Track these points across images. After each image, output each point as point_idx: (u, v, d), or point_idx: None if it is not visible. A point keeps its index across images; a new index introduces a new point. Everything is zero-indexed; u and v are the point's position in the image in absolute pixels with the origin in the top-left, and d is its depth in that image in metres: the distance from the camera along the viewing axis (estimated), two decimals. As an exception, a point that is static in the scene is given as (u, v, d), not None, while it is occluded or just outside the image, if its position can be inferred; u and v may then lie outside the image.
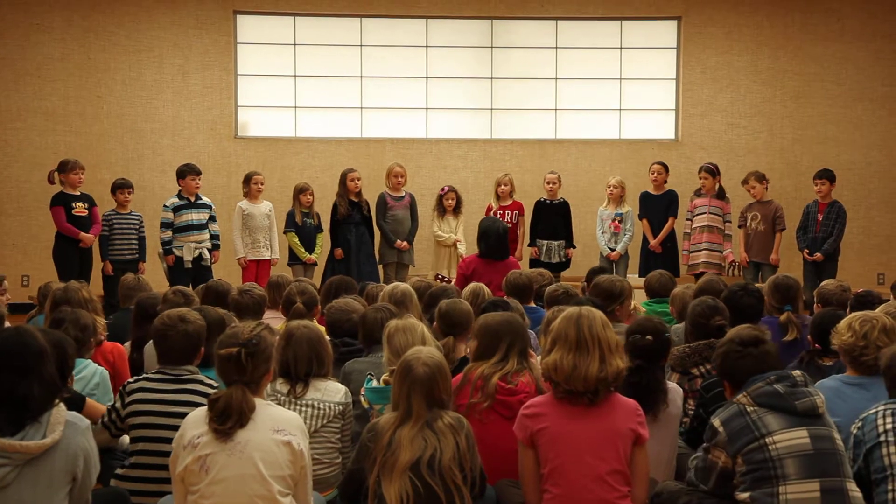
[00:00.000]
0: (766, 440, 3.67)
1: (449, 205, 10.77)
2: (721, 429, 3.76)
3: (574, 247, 10.93)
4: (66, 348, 4.26)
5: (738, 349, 3.95)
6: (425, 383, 3.76)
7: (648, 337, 4.51)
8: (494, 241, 8.39)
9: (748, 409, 3.75)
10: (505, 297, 6.64)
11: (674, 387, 4.62)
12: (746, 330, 4.08)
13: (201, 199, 10.27)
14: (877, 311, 4.92)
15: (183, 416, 3.93)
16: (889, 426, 3.84)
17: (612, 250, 10.65)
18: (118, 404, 4.45)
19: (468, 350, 4.84)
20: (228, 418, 3.65)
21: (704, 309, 5.26)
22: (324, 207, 10.87)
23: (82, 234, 9.81)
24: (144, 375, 4.53)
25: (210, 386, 4.38)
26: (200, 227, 10.11)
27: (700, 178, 10.57)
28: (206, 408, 3.75)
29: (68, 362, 4.36)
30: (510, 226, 10.62)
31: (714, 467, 3.80)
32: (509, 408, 4.27)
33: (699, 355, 5.09)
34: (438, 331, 5.38)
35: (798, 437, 3.66)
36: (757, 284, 6.61)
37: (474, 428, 3.88)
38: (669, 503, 4.06)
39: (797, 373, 3.84)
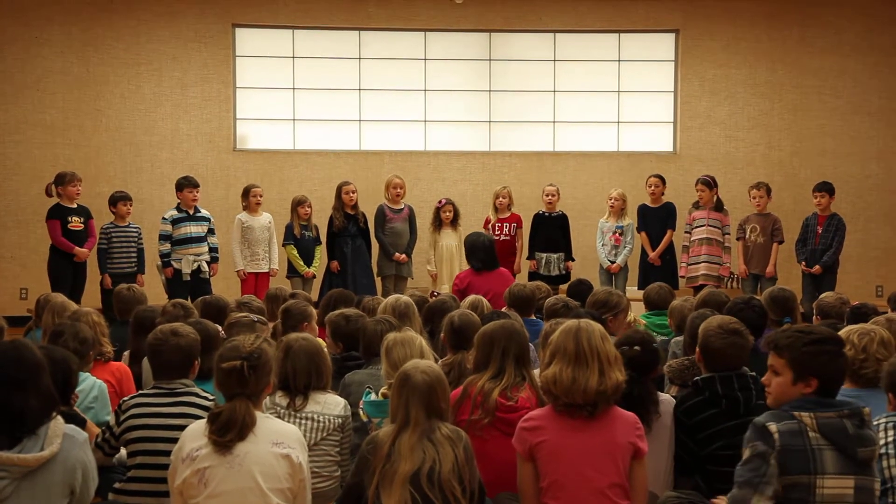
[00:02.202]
0: (818, 481, 3.44)
1: (446, 217, 10.77)
2: (777, 436, 3.46)
3: (573, 259, 10.92)
4: (69, 365, 4.29)
5: (834, 349, 3.65)
6: (424, 391, 3.75)
7: (636, 347, 4.48)
8: (483, 254, 8.64)
9: (810, 434, 3.48)
10: (505, 310, 6.66)
11: (666, 398, 4.60)
12: (826, 327, 3.81)
13: (200, 211, 10.27)
14: (869, 323, 4.91)
15: (180, 428, 3.93)
16: (890, 439, 3.83)
17: (613, 263, 10.64)
18: (112, 423, 4.45)
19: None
20: (229, 431, 3.65)
21: (703, 321, 5.24)
22: (322, 220, 10.88)
23: (77, 248, 9.81)
24: (140, 392, 4.53)
25: (205, 398, 4.38)
26: (199, 239, 10.11)
27: (697, 191, 10.59)
28: (205, 420, 3.75)
29: (72, 379, 4.38)
30: (508, 238, 10.68)
31: (774, 477, 3.47)
32: (510, 424, 4.23)
33: (698, 368, 5.06)
34: (447, 345, 5.38)
35: (845, 486, 3.46)
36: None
37: (475, 444, 3.87)
38: (670, 515, 4.05)
39: (866, 410, 3.55)
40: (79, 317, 5.67)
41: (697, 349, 4.64)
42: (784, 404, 3.59)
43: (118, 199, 10.15)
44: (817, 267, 10.10)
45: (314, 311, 6.48)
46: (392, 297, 6.53)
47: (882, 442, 3.83)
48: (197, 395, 4.40)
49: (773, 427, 3.47)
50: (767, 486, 3.44)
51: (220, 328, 5.45)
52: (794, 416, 3.50)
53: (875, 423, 3.90)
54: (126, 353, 6.03)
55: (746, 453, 3.52)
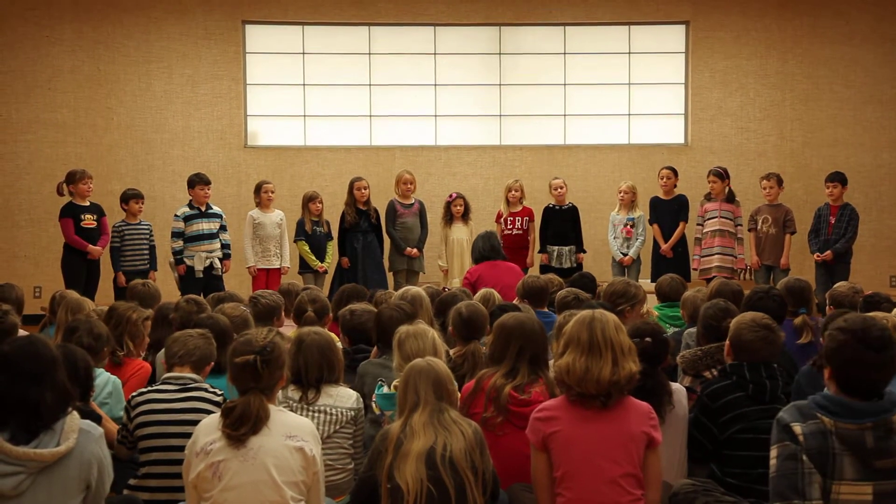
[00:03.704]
0: (834, 486, 3.36)
1: (457, 212, 10.78)
2: (802, 439, 3.38)
3: (585, 251, 10.92)
4: (89, 363, 4.34)
5: (854, 352, 3.44)
6: (430, 373, 3.82)
7: (647, 339, 4.48)
8: (482, 244, 8.66)
9: (832, 437, 3.38)
10: (517, 302, 6.67)
11: (678, 387, 4.60)
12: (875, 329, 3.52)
13: (212, 208, 10.30)
14: (893, 313, 4.88)
15: (191, 423, 3.96)
16: None
17: (625, 255, 10.63)
18: (125, 420, 4.49)
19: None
20: (243, 425, 3.67)
21: (716, 311, 5.23)
22: (334, 216, 10.91)
23: (90, 246, 9.85)
24: (149, 388, 4.56)
25: (214, 393, 4.41)
26: (211, 236, 10.14)
27: (709, 182, 10.55)
28: (218, 414, 3.76)
29: (92, 377, 4.43)
30: (521, 232, 10.68)
31: (814, 474, 3.37)
32: (523, 418, 4.24)
33: (711, 358, 5.06)
34: (457, 336, 5.39)
35: (863, 492, 3.37)
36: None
37: (488, 439, 3.89)
38: (686, 504, 4.05)
39: None
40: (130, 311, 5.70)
41: (727, 341, 4.63)
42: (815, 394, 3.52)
43: (130, 197, 10.19)
44: (829, 252, 10.03)
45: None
46: (401, 290, 6.57)
47: None
48: (206, 389, 4.44)
49: (797, 429, 3.40)
50: (812, 486, 3.36)
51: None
52: (818, 417, 3.41)
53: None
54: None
55: (774, 454, 3.44)
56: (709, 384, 4.59)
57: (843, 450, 3.36)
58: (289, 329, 6.23)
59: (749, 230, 10.59)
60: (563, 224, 10.84)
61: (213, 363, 4.66)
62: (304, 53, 12.93)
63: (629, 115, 13.24)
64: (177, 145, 12.65)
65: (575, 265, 10.74)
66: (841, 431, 3.37)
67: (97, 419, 4.53)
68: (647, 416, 3.93)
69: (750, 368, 4.43)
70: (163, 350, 5.23)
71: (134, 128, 12.59)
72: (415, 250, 10.72)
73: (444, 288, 9.55)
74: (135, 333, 5.64)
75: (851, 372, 3.44)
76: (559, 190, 10.92)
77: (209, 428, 3.76)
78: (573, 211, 10.94)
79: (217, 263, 10.11)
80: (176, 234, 10.07)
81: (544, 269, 10.54)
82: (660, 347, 4.55)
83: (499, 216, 10.92)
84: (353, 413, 4.53)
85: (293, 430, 3.76)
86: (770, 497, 3.46)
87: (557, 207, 10.94)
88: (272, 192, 10.67)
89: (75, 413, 3.50)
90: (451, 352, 5.23)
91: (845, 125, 13.09)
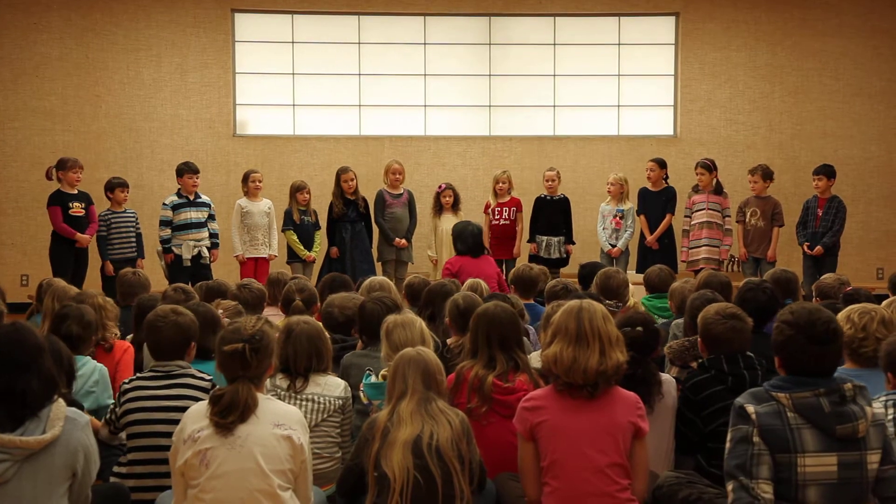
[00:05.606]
0: (798, 459, 3.43)
1: (447, 202, 10.78)
2: (754, 417, 3.46)
3: (573, 243, 10.93)
4: (70, 352, 4.32)
5: (795, 335, 3.54)
6: (420, 362, 3.85)
7: (639, 328, 4.50)
8: (471, 241, 8.73)
9: (788, 414, 3.46)
10: (508, 293, 6.69)
11: (668, 378, 4.62)
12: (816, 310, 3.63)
13: (200, 197, 10.28)
14: (883, 304, 4.91)
15: (178, 411, 3.95)
16: (891, 416, 3.84)
17: (613, 246, 10.64)
18: (115, 405, 4.48)
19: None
20: (231, 413, 3.66)
21: (703, 302, 5.24)
22: (323, 205, 10.90)
23: (78, 234, 9.81)
24: (138, 375, 4.54)
25: (202, 379, 4.39)
26: (199, 225, 10.12)
27: (697, 174, 10.57)
28: (206, 402, 3.76)
29: (74, 366, 4.43)
30: (508, 222, 10.69)
31: (763, 455, 3.45)
32: (508, 407, 4.28)
33: (698, 349, 5.07)
34: (453, 326, 5.40)
35: (827, 463, 3.44)
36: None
37: (474, 429, 3.90)
38: (670, 496, 4.06)
39: (848, 386, 3.50)
40: (84, 299, 5.65)
41: (699, 338, 4.65)
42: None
43: (115, 186, 10.14)
44: (818, 248, 10.08)
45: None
46: (368, 279, 6.60)
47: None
48: (194, 376, 4.42)
49: (750, 409, 3.49)
50: (760, 467, 3.44)
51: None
52: (773, 396, 3.51)
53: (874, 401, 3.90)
54: (128, 338, 6.04)
55: (729, 438, 3.53)
56: (690, 377, 4.61)
57: (802, 423, 3.44)
58: (275, 318, 6.22)
59: (737, 222, 10.60)
60: (554, 215, 10.85)
61: (194, 342, 4.58)
62: (293, 42, 12.89)
63: (619, 106, 13.24)
64: (165, 134, 12.60)
65: (564, 256, 10.77)
66: (797, 402, 3.46)
67: (79, 409, 4.54)
68: (635, 406, 3.94)
69: (728, 361, 4.46)
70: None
71: (122, 116, 12.54)
72: (403, 241, 10.72)
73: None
74: (113, 316, 5.66)
75: (799, 363, 3.55)
76: (551, 182, 10.93)
77: (197, 415, 3.75)
78: (564, 202, 10.95)
79: (205, 252, 10.10)
80: (164, 223, 10.05)
81: (532, 258, 10.55)
82: (651, 337, 4.56)
83: (487, 206, 10.92)
84: (340, 402, 4.55)
85: (281, 419, 3.75)
86: (724, 477, 3.55)
87: (549, 198, 10.95)
88: (260, 181, 10.66)
89: (61, 401, 3.50)
90: (448, 341, 5.25)
91: (834, 117, 13.12)
